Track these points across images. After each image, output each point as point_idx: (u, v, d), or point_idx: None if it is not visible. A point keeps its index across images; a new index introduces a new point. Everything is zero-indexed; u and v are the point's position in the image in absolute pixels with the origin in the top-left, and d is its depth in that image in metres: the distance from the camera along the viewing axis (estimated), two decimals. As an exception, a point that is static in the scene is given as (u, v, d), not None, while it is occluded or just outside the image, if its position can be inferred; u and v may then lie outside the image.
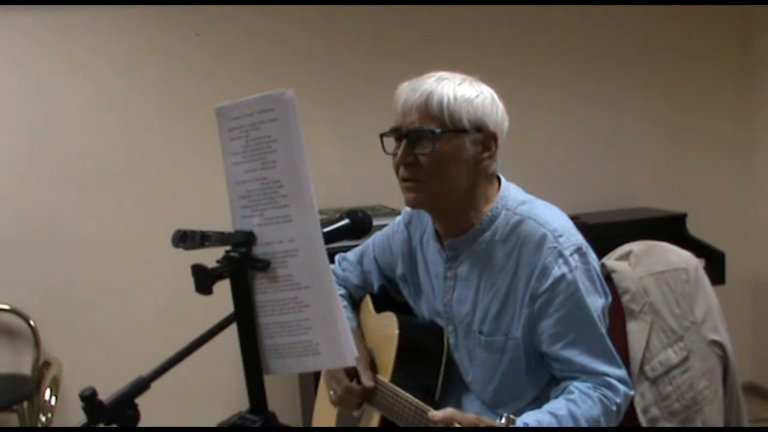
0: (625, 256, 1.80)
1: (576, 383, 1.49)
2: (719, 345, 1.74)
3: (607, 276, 1.69)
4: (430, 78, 1.53)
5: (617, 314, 1.66)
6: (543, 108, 3.43)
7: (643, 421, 1.67)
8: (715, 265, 3.21)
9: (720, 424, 1.73)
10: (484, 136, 1.53)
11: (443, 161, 1.51)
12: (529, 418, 1.43)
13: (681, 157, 3.75)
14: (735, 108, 3.83)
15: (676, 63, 3.68)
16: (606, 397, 1.48)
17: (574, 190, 3.47)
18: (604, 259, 1.75)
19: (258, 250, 1.07)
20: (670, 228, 3.31)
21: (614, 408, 1.48)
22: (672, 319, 1.71)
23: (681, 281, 1.74)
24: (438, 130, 1.49)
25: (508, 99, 1.59)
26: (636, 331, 1.70)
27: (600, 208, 3.49)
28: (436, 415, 1.40)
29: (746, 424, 1.81)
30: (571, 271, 1.49)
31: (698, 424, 1.70)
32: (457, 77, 1.54)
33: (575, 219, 1.63)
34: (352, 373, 1.71)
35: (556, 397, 1.50)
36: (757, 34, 3.77)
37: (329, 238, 1.35)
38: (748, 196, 3.87)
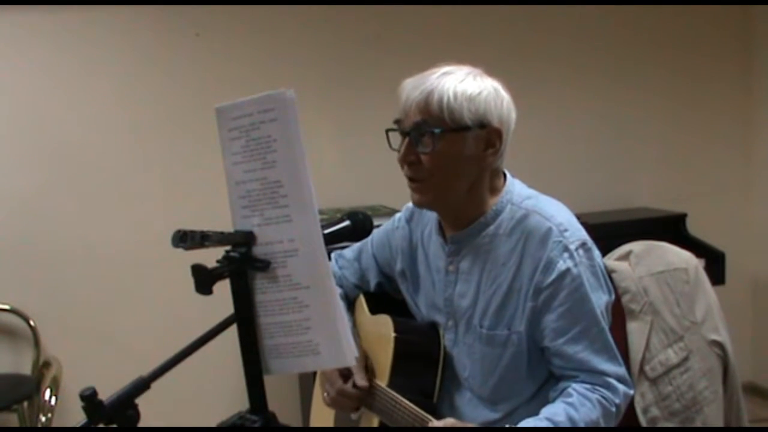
0: (625, 256, 1.80)
1: (574, 385, 1.48)
2: (719, 345, 1.74)
3: (608, 276, 1.69)
4: (434, 74, 1.50)
5: (617, 314, 1.66)
6: (543, 108, 3.42)
7: (643, 421, 1.67)
8: (715, 265, 3.21)
9: (720, 424, 1.73)
10: (488, 133, 1.51)
11: (444, 160, 1.50)
12: (527, 426, 1.43)
13: (681, 156, 3.75)
14: (735, 108, 3.83)
15: (677, 63, 3.68)
16: (605, 398, 1.47)
17: (575, 189, 3.45)
18: (605, 259, 1.75)
19: (258, 250, 1.07)
20: (670, 228, 3.31)
21: (613, 409, 1.48)
22: (672, 319, 1.71)
23: (681, 281, 1.74)
24: (437, 130, 1.47)
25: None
26: (636, 331, 1.70)
27: (600, 208, 3.49)
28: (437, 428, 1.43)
29: (746, 424, 1.81)
30: (576, 265, 1.48)
31: (698, 424, 1.70)
32: (461, 72, 1.51)
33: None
34: (346, 375, 1.69)
35: (554, 400, 1.49)
36: (759, 35, 3.77)
37: (330, 239, 1.34)
38: (748, 196, 3.87)
